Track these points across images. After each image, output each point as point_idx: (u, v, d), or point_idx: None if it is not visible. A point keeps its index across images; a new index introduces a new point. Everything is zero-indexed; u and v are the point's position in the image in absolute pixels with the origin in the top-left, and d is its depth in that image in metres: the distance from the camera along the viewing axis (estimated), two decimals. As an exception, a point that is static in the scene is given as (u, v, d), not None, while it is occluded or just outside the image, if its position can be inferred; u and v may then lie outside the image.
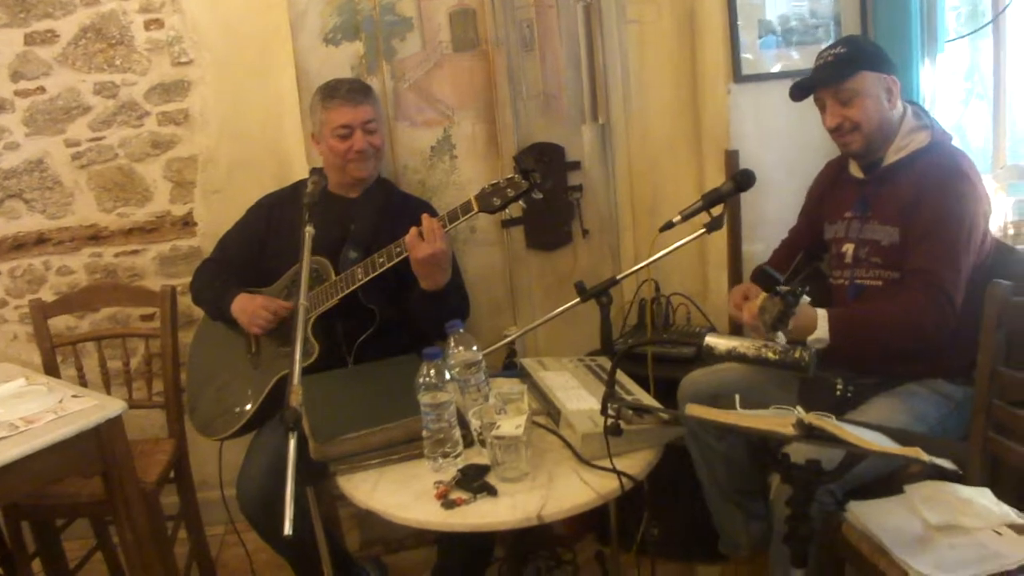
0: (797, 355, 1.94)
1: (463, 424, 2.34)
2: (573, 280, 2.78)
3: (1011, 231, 4.15)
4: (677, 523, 3.36)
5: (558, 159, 3.69)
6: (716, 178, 3.46)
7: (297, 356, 2.21)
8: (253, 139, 3.65)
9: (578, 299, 2.71)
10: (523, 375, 2.71)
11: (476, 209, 2.76)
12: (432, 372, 2.22)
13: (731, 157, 3.47)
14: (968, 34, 3.60)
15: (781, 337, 2.06)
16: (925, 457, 1.80)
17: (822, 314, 2.49)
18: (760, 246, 3.54)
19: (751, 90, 3.47)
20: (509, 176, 2.75)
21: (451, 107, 3.63)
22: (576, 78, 3.68)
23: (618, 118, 3.72)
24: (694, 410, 2.13)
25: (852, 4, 3.47)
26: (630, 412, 2.25)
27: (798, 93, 2.82)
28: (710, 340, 2.04)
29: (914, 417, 2.62)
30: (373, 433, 2.34)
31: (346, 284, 2.92)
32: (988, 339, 2.53)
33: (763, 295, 2.17)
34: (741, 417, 2.06)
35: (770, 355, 1.95)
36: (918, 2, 3.31)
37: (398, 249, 2.82)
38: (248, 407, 3.03)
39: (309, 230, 2.53)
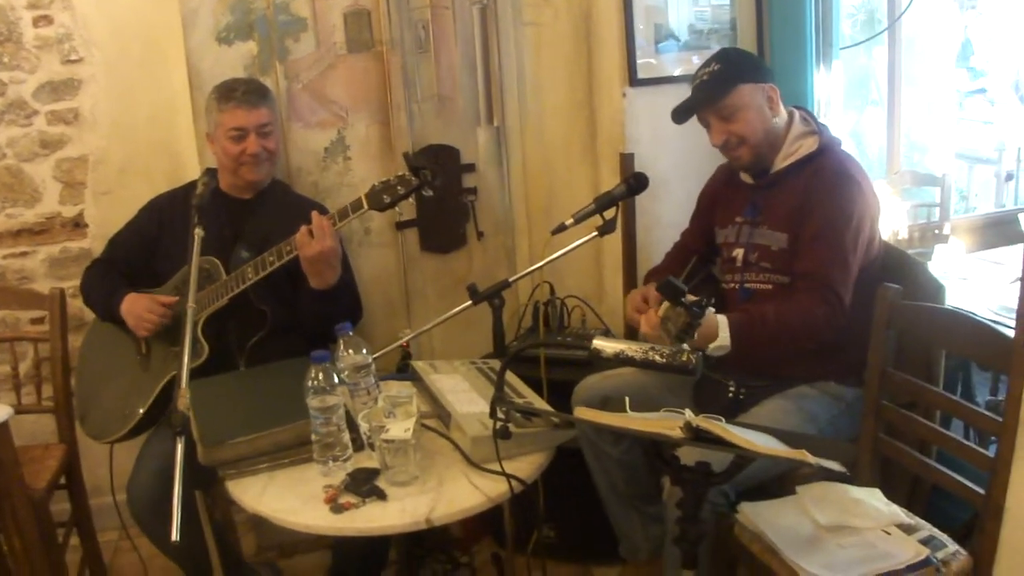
0: (684, 358, 1.94)
1: (353, 427, 2.30)
2: (468, 283, 2.78)
3: (904, 235, 4.24)
4: (573, 525, 3.36)
5: (453, 161, 3.68)
6: (611, 181, 3.45)
7: (186, 359, 2.19)
8: (145, 139, 3.56)
9: (470, 302, 2.71)
10: (415, 378, 2.69)
11: (366, 207, 2.74)
12: (320, 375, 2.19)
13: (626, 160, 3.48)
14: (863, 41, 3.76)
15: (685, 349, 2.04)
16: (811, 459, 1.81)
17: (723, 322, 2.49)
18: (654, 248, 3.52)
19: (646, 94, 3.48)
20: (400, 173, 2.73)
21: (345, 108, 3.58)
22: (471, 80, 3.67)
23: (513, 120, 3.73)
24: (583, 413, 2.12)
25: (748, 10, 3.52)
26: (519, 416, 2.22)
27: (680, 117, 2.84)
28: (598, 343, 2.03)
29: (805, 418, 2.65)
30: (262, 437, 2.31)
31: (236, 283, 2.89)
32: (877, 341, 2.58)
33: (665, 304, 2.15)
34: (629, 420, 2.06)
35: (657, 358, 1.94)
36: (813, 9, 3.36)
37: (288, 248, 2.79)
38: (138, 410, 2.97)
39: (198, 232, 2.52)
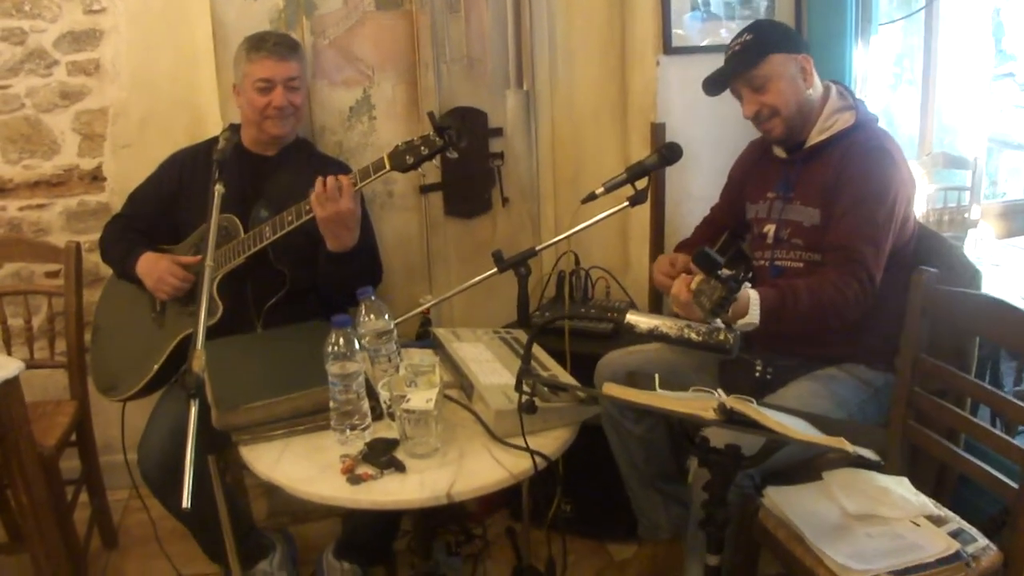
0: (722, 337, 1.87)
1: (372, 396, 2.24)
2: (491, 249, 2.72)
3: (934, 218, 4.17)
4: (591, 501, 3.31)
5: (480, 125, 3.62)
6: (641, 150, 3.41)
7: (202, 318, 2.11)
8: (166, 92, 3.49)
9: (495, 269, 2.66)
10: (436, 346, 2.62)
11: (388, 167, 2.68)
12: (341, 341, 2.12)
13: (657, 130, 3.42)
14: (902, 17, 3.63)
15: (719, 323, 1.97)
16: (850, 448, 1.75)
17: (754, 298, 2.40)
18: (683, 222, 3.47)
19: (680, 63, 3.40)
20: (424, 134, 2.66)
21: (371, 67, 3.50)
22: (502, 43, 3.60)
23: (543, 85, 3.67)
24: (611, 389, 2.05)
25: (787, -16, 3.41)
26: (545, 389, 2.16)
27: (712, 87, 2.79)
28: (632, 318, 1.96)
29: (834, 402, 2.59)
30: (279, 403, 2.23)
31: (254, 242, 2.84)
32: (912, 327, 2.51)
33: (699, 277, 2.07)
34: (660, 399, 1.99)
35: (693, 336, 1.88)
36: (853, -18, 3.26)
37: (307, 207, 2.73)
38: (151, 366, 2.93)
39: (219, 188, 2.43)
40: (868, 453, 1.84)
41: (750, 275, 2.06)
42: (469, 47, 3.56)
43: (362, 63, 3.50)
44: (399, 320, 2.57)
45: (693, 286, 2.06)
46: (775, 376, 2.73)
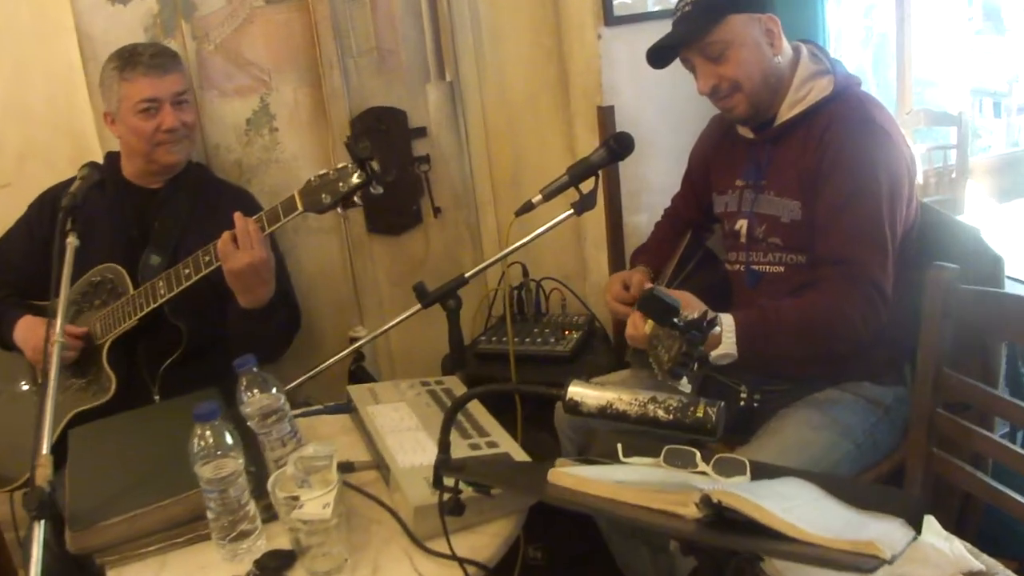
0: (700, 413, 1.40)
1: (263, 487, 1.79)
2: (427, 267, 2.71)
3: (920, 180, 3.83)
4: (564, 546, 2.97)
5: (399, 126, 3.28)
6: (588, 139, 3.13)
7: (47, 414, 1.78)
8: (44, 119, 3.10)
9: (418, 306, 2.28)
10: (352, 409, 2.22)
11: (300, 207, 2.36)
12: (208, 436, 1.67)
13: (605, 114, 3.05)
14: None
15: (684, 383, 1.61)
16: (886, 554, 1.27)
17: (728, 324, 2.09)
18: (643, 217, 3.16)
19: (626, 34, 3.04)
20: (341, 166, 2.33)
21: (267, 70, 3.17)
22: (416, 29, 3.26)
23: (469, 74, 3.34)
24: (560, 479, 1.57)
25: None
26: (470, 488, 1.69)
27: (657, 59, 2.41)
28: (575, 391, 1.50)
29: (839, 432, 2.25)
30: (146, 514, 1.78)
31: (146, 300, 2.52)
32: (931, 335, 2.11)
33: (651, 322, 1.68)
34: (622, 491, 1.51)
35: (660, 414, 1.42)
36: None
37: (207, 258, 2.42)
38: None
39: (71, 241, 2.13)
40: (904, 540, 1.37)
41: (715, 319, 1.66)
42: (378, 37, 3.22)
43: (255, 67, 3.17)
44: (323, 366, 2.34)
45: (647, 329, 1.70)
46: (763, 403, 2.38)
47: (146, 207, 2.77)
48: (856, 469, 2.26)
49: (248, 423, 1.88)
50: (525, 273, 3.27)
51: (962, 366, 2.11)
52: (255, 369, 1.87)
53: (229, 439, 1.68)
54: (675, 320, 1.57)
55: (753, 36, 2.27)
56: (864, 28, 4.34)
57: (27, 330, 2.67)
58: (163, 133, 2.67)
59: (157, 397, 2.63)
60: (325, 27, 3.11)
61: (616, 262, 3.16)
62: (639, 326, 1.97)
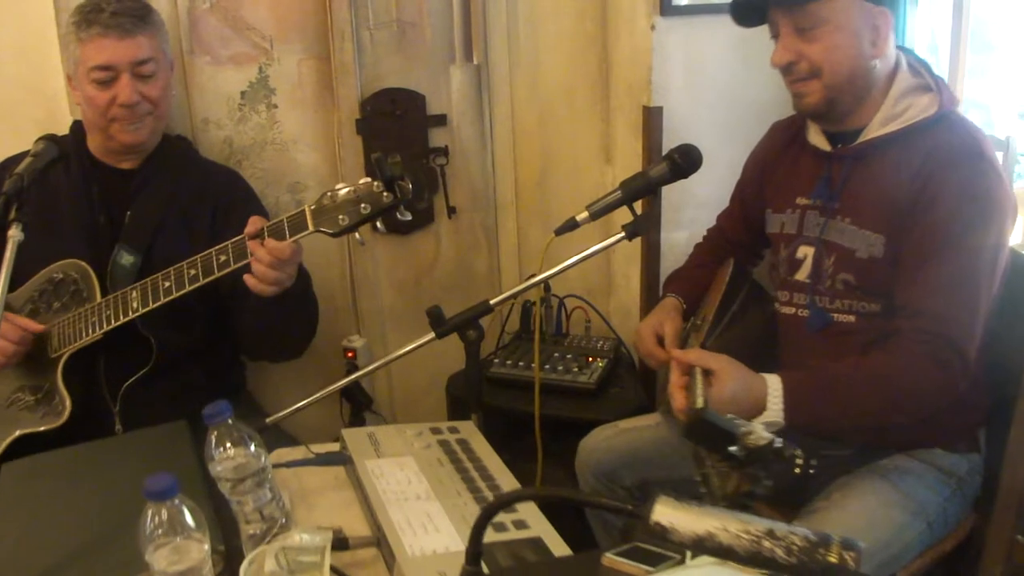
0: (834, 556, 1.04)
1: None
2: (435, 273, 2.55)
3: None
4: None
5: (416, 111, 3.01)
6: (629, 143, 2.87)
7: None
8: (12, 76, 2.85)
9: (432, 335, 1.96)
10: (347, 461, 1.86)
11: (311, 228, 2.06)
12: (164, 518, 1.29)
13: (652, 116, 2.77)
14: None
15: (833, 540, 1.25)
16: None
17: (774, 386, 1.86)
18: (684, 234, 2.86)
19: (683, 27, 2.74)
20: (364, 181, 2.02)
21: (269, 37, 2.88)
22: (444, 1, 2.99)
23: (499, 57, 3.07)
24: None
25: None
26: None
27: (743, 12, 2.15)
28: (663, 514, 1.13)
29: (912, 511, 1.98)
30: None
31: (114, 313, 2.24)
32: None
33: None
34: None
35: (779, 554, 1.06)
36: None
37: (192, 272, 2.15)
38: None
39: (13, 234, 1.87)
40: None
41: (786, 450, 1.39)
42: (400, 8, 2.94)
43: (256, 32, 2.88)
44: (308, 401, 1.98)
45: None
46: (821, 470, 2.03)
47: (117, 192, 2.48)
48: (923, 550, 2.02)
49: (218, 486, 1.52)
50: (546, 288, 2.99)
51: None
52: (230, 420, 1.51)
53: (191, 520, 1.31)
54: (733, 450, 1.30)
55: (855, 24, 2.00)
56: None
57: None
58: (118, 108, 2.36)
59: (118, 419, 2.36)
60: (340, -9, 2.83)
61: (649, 283, 2.90)
62: (681, 401, 1.84)
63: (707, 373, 1.79)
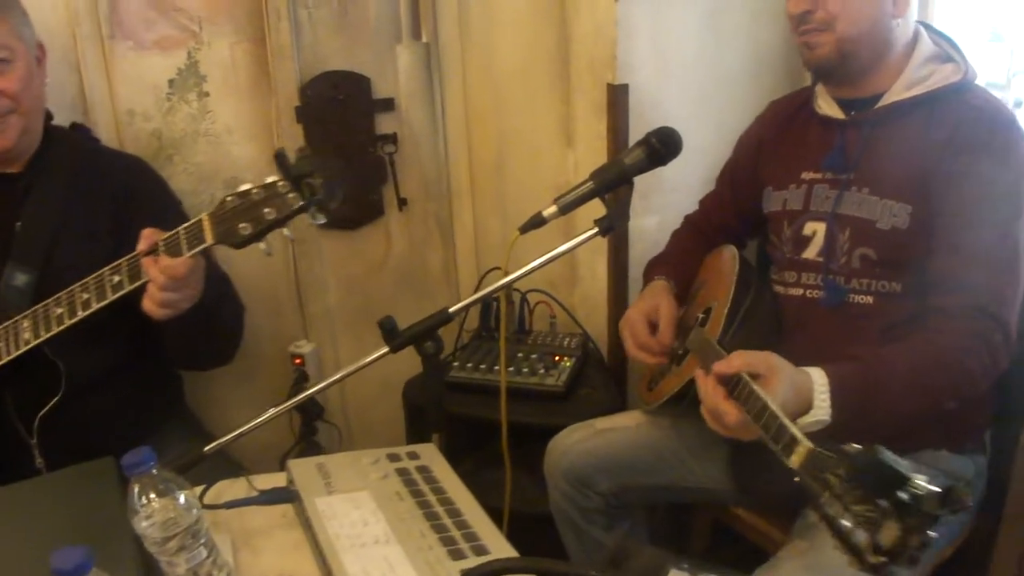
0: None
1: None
2: (387, 270, 2.49)
3: None
4: None
5: (361, 96, 2.84)
6: (591, 124, 2.70)
7: None
8: None
9: (386, 348, 1.75)
10: (294, 498, 1.67)
11: (210, 240, 1.83)
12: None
13: (617, 94, 2.61)
14: None
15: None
16: None
17: (819, 381, 1.67)
18: (654, 220, 2.72)
19: None
20: (269, 181, 1.80)
21: (198, 19, 2.68)
22: None
23: (450, 35, 2.91)
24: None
25: None
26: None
27: None
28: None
29: None
30: None
31: (6, 346, 2.05)
32: None
33: (798, 454, 1.29)
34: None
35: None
36: None
37: (85, 296, 1.95)
38: None
39: None
40: None
41: (964, 498, 1.16)
42: None
43: (183, 14, 2.68)
44: (257, 423, 1.73)
45: (794, 461, 1.30)
46: None
47: (4, 200, 2.24)
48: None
49: (150, 545, 1.32)
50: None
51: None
52: (154, 471, 1.30)
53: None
54: (902, 496, 1.09)
55: None
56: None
57: None
58: None
59: (37, 452, 2.16)
60: (275, -32, 2.65)
61: (617, 273, 2.75)
62: (736, 415, 1.57)
63: (754, 376, 1.61)
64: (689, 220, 2.46)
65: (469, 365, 2.62)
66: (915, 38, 2.01)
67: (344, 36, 2.82)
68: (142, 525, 1.30)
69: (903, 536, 1.08)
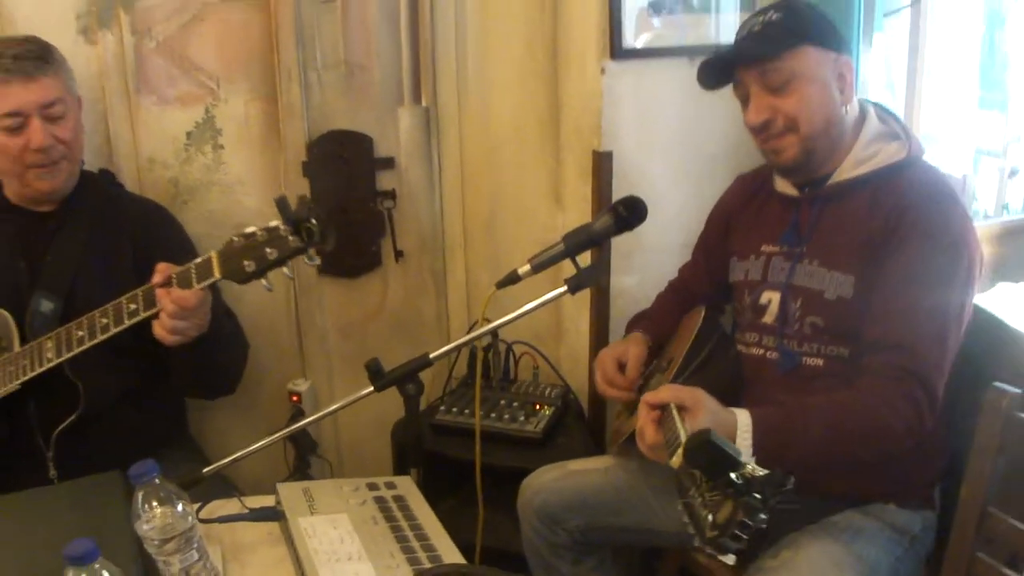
0: None
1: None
2: (382, 317, 2.54)
3: None
4: None
5: (363, 154, 2.93)
6: (578, 186, 2.79)
7: None
8: None
9: (371, 388, 1.91)
10: (280, 517, 1.81)
11: (218, 275, 1.97)
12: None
13: (601, 160, 2.69)
14: (907, 5, 2.96)
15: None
16: None
17: (743, 423, 1.77)
18: (634, 279, 2.80)
19: (635, 71, 2.67)
20: (272, 225, 1.94)
21: (216, 77, 2.81)
22: (392, 42, 2.91)
23: (448, 99, 2.99)
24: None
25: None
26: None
27: (711, 75, 2.11)
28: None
29: (861, 571, 1.94)
30: None
31: (30, 363, 2.17)
32: (981, 466, 1.85)
33: (677, 455, 1.38)
34: None
35: None
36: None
37: (104, 321, 2.07)
38: None
39: None
40: None
41: (789, 480, 1.27)
42: (348, 49, 2.88)
43: (203, 73, 2.81)
44: (252, 449, 1.89)
45: (675, 464, 1.46)
46: (772, 524, 1.99)
47: (36, 236, 2.41)
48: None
49: (150, 547, 1.49)
50: (494, 334, 2.89)
51: (1013, 506, 1.80)
52: (157, 480, 1.46)
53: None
54: (734, 477, 1.23)
55: (824, 75, 2.01)
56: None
57: None
58: (33, 153, 2.28)
59: (52, 464, 2.29)
60: (287, 32, 2.77)
61: (599, 329, 2.82)
62: (653, 436, 1.71)
63: (680, 409, 1.73)
64: (671, 286, 2.55)
65: (455, 409, 2.71)
66: (863, 116, 2.09)
67: (350, 98, 2.91)
68: (143, 528, 1.46)
69: (733, 512, 1.21)
